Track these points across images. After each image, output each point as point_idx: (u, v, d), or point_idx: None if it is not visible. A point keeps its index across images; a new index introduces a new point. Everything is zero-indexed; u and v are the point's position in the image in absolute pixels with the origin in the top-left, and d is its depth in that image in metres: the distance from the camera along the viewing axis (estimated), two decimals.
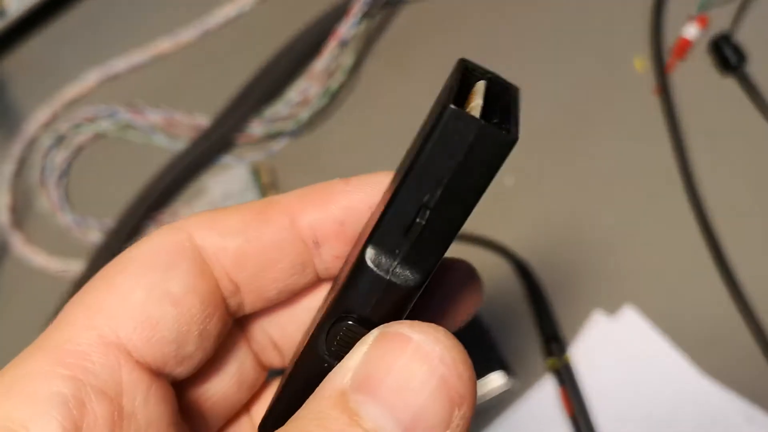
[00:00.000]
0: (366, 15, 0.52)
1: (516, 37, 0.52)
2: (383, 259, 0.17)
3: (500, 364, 0.41)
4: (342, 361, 0.17)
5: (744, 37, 0.49)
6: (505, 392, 0.41)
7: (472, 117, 0.15)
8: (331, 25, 0.51)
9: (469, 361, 0.16)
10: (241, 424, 0.24)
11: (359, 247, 0.18)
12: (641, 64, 0.50)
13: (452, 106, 0.15)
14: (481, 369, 0.41)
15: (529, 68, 0.51)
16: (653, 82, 0.49)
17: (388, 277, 0.17)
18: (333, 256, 0.22)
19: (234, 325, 0.23)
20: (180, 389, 0.21)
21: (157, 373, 0.20)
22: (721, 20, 0.50)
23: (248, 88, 0.52)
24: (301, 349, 0.19)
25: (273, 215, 0.21)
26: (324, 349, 0.18)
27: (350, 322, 0.18)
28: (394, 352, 0.16)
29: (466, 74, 0.17)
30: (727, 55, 0.48)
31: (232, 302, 0.22)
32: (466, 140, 0.15)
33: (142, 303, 0.19)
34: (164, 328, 0.19)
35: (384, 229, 0.17)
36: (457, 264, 0.23)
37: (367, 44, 0.53)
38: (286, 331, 0.24)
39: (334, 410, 0.16)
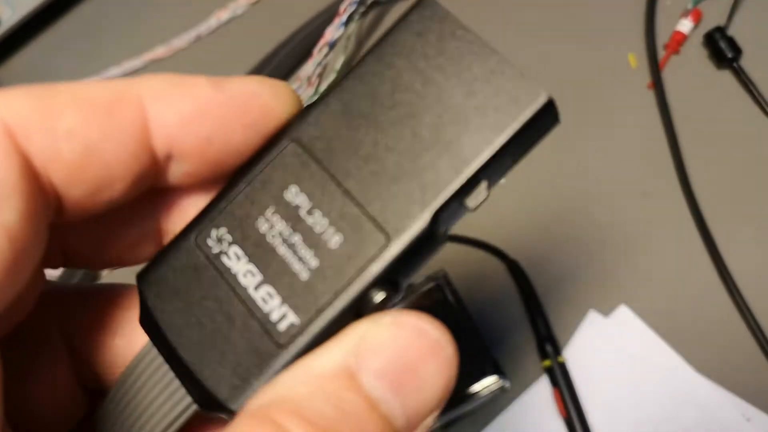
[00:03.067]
0: (354, 15, 0.51)
1: (507, 32, 0.51)
2: (443, 223, 0.17)
3: (494, 367, 0.41)
4: (346, 340, 0.16)
5: (738, 30, 0.48)
6: (498, 394, 0.41)
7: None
8: (321, 27, 0.51)
9: None
10: None
11: (418, 203, 0.17)
12: (635, 58, 0.49)
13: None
14: (474, 372, 0.41)
15: (522, 65, 0.50)
16: (648, 76, 0.48)
17: (441, 241, 0.17)
18: (185, 173, 0.18)
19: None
20: None
21: None
22: (715, 13, 0.49)
23: None
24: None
25: (124, 116, 0.17)
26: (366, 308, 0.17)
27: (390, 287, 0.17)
28: (414, 345, 0.16)
29: None
30: (721, 48, 0.47)
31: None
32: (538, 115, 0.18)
33: None
34: None
35: (454, 198, 0.17)
36: None
37: (358, 44, 0.53)
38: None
39: (349, 392, 0.15)
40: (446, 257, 0.44)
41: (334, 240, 0.17)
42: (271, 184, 0.18)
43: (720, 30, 0.48)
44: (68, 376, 0.20)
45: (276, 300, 0.17)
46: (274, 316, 0.17)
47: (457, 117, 0.17)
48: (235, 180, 0.18)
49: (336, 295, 0.17)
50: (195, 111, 0.17)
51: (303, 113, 0.18)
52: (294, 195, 0.18)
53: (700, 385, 0.41)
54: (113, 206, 0.18)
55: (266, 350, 0.17)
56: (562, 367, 0.42)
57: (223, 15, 0.57)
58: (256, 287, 0.17)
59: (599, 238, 0.45)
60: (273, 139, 0.18)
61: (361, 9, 0.52)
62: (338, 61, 0.51)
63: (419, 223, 0.17)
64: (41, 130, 0.16)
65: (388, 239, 0.17)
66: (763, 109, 0.46)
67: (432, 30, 0.18)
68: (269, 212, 0.18)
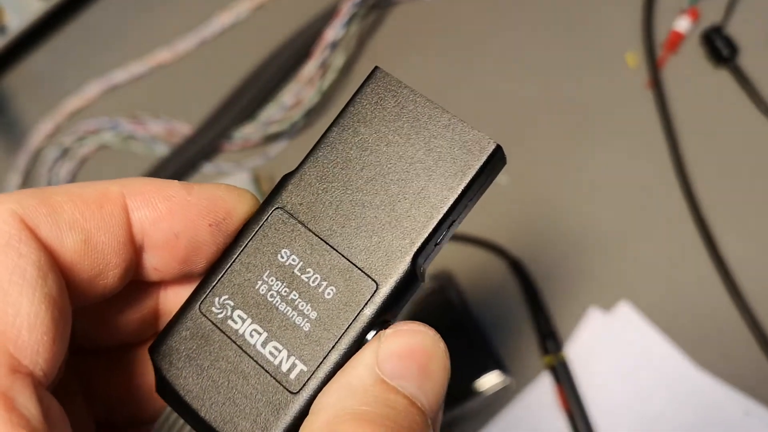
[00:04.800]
0: (355, 17, 0.52)
1: (506, 36, 0.52)
2: (421, 264, 0.19)
3: (496, 363, 0.42)
4: (364, 357, 0.18)
5: (736, 28, 0.49)
6: (501, 390, 0.42)
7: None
8: (321, 28, 0.52)
9: None
10: None
11: (399, 254, 0.19)
12: (633, 58, 0.50)
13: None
14: (477, 368, 0.42)
15: (520, 67, 0.51)
16: (646, 76, 0.49)
17: (421, 280, 0.19)
18: (153, 267, 0.20)
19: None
20: None
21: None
22: (712, 12, 0.49)
23: (233, 95, 0.53)
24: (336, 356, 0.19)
25: (112, 209, 0.19)
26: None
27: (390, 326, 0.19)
28: (419, 343, 0.18)
29: None
30: (719, 47, 0.48)
31: None
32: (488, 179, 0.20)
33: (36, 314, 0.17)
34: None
35: (428, 240, 0.19)
36: None
37: (359, 45, 0.54)
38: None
39: (390, 394, 0.18)
40: (449, 256, 0.45)
41: (328, 291, 0.19)
42: (264, 249, 0.20)
43: (717, 29, 0.48)
44: (84, 415, 0.22)
45: (283, 353, 0.19)
46: (284, 367, 0.19)
47: (421, 171, 0.19)
48: (228, 250, 0.20)
49: (337, 340, 0.19)
50: (167, 208, 0.20)
51: (282, 183, 0.20)
52: (286, 257, 0.20)
53: (700, 379, 0.42)
54: (106, 295, 0.20)
55: (281, 398, 0.19)
56: (564, 363, 0.43)
57: (227, 19, 0.57)
58: (263, 344, 0.19)
59: (599, 235, 0.46)
60: (258, 209, 0.20)
61: (362, 11, 0.53)
62: (339, 60, 0.52)
63: (402, 267, 0.19)
64: (47, 223, 0.18)
65: (377, 285, 0.19)
66: (760, 107, 0.47)
67: (388, 98, 0.20)
68: (266, 275, 0.20)
